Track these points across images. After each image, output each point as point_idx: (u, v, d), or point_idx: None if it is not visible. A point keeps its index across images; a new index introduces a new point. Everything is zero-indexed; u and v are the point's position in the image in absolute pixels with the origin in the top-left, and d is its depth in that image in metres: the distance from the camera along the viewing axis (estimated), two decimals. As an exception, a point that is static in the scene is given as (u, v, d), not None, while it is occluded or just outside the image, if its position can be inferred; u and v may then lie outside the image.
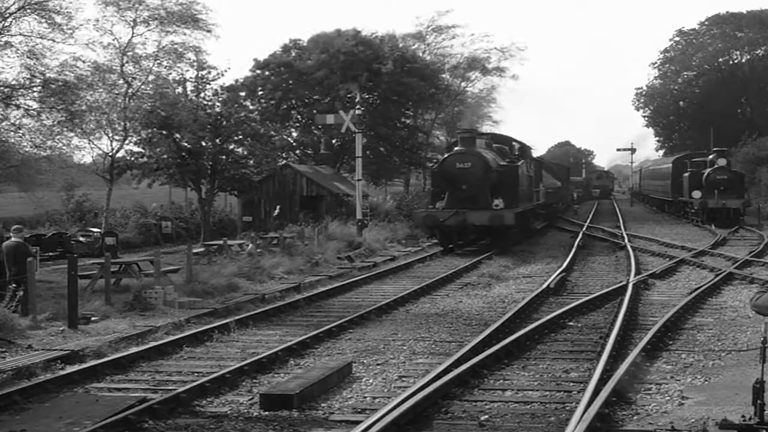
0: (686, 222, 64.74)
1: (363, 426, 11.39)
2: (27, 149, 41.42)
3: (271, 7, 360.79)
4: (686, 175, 67.04)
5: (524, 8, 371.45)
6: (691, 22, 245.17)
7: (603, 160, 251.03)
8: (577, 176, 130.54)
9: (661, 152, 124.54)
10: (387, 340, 19.09)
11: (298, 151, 72.49)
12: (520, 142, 51.88)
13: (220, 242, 37.10)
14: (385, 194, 73.30)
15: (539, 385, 14.57)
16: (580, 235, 47.50)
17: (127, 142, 48.33)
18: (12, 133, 40.28)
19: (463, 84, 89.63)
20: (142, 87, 48.88)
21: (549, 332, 19.24)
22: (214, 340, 19.28)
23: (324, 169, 63.35)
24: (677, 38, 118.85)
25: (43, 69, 39.79)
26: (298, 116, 73.46)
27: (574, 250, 39.32)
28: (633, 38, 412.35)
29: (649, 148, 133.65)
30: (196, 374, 15.74)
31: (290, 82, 70.93)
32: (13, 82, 39.73)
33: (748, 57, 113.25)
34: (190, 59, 50.96)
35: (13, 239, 22.49)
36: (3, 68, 42.24)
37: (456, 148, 43.69)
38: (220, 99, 51.44)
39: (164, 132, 48.11)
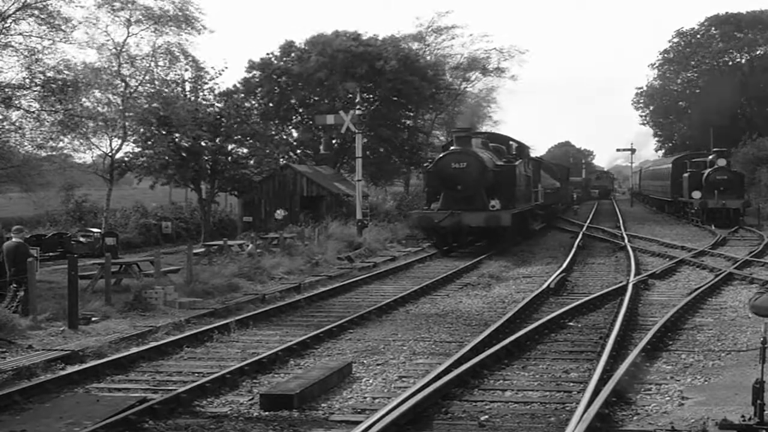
0: (686, 222, 64.72)
1: (363, 426, 11.41)
2: (28, 149, 41.49)
3: (269, 9, 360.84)
4: (686, 175, 67.03)
5: (524, 8, 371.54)
6: (691, 23, 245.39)
7: (603, 160, 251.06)
8: (577, 177, 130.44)
9: (660, 153, 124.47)
10: (387, 340, 19.10)
11: (298, 151, 72.45)
12: (517, 142, 50.85)
13: (221, 242, 37.09)
14: (385, 194, 73.29)
15: (539, 386, 14.58)
16: (580, 236, 47.49)
17: (126, 142, 48.41)
18: (13, 133, 40.34)
19: (463, 84, 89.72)
20: (140, 87, 48.93)
21: (549, 332, 19.25)
22: (214, 340, 19.28)
23: (324, 170, 63.34)
24: (676, 39, 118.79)
25: (42, 69, 39.84)
26: (299, 116, 73.45)
27: (574, 250, 39.29)
28: (633, 38, 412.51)
29: (650, 149, 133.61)
30: (196, 374, 15.75)
31: (289, 84, 70.91)
32: (13, 83, 39.78)
33: (748, 57, 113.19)
34: (185, 60, 50.99)
35: (13, 240, 22.51)
36: (2, 69, 42.31)
37: (451, 148, 42.76)
38: (218, 99, 51.47)
39: (163, 131, 48.10)
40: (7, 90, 39.18)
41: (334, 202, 55.91)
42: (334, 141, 69.17)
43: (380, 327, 20.91)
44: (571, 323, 20.60)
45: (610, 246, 43.92)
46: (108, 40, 48.12)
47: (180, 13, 49.85)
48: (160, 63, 50.01)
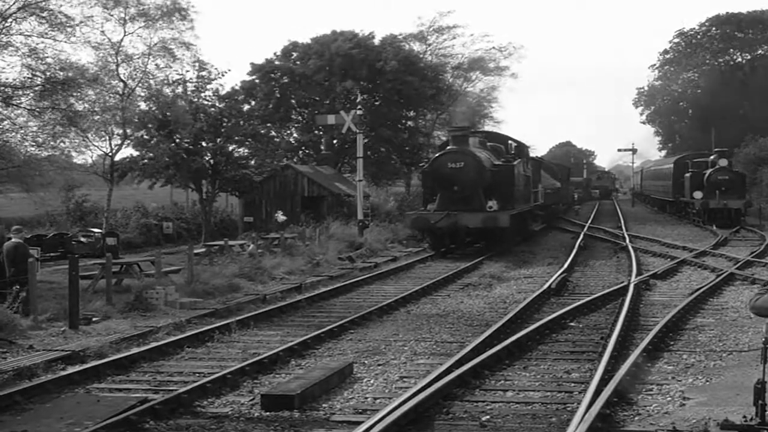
0: (687, 222, 64.70)
1: (364, 426, 11.40)
2: (29, 149, 41.50)
3: (270, 9, 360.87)
4: (687, 175, 66.99)
5: (524, 7, 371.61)
6: (692, 23, 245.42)
7: (605, 160, 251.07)
8: (578, 177, 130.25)
9: (662, 153, 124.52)
10: (388, 340, 19.09)
11: (300, 152, 72.48)
12: (516, 141, 50.02)
13: (221, 243, 37.10)
14: (386, 195, 73.27)
15: (540, 386, 14.57)
16: (582, 236, 47.48)
17: (126, 143, 48.43)
18: (13, 133, 40.35)
19: (464, 84, 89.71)
20: (138, 87, 48.95)
21: (550, 333, 19.24)
22: (215, 340, 19.28)
23: (325, 170, 63.30)
24: (677, 39, 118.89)
25: (44, 68, 39.85)
26: (299, 117, 73.49)
27: (575, 250, 39.27)
28: (635, 38, 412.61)
29: (653, 149, 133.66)
30: (197, 375, 15.75)
31: (289, 85, 70.95)
32: (14, 82, 39.79)
33: (749, 57, 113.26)
34: (185, 56, 50.99)
35: (13, 240, 22.48)
36: (4, 68, 42.35)
37: (448, 147, 41.98)
38: (220, 101, 51.46)
39: (162, 132, 48.08)
40: (7, 89, 39.21)
41: (335, 202, 55.87)
42: (335, 141, 69.27)
43: (381, 327, 20.90)
44: (572, 323, 20.60)
45: (611, 246, 43.87)
46: (104, 40, 48.14)
47: (172, 6, 49.84)
48: (158, 61, 50.05)
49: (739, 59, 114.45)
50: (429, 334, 19.80)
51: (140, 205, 57.23)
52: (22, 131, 40.35)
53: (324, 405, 13.61)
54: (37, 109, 39.89)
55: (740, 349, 17.33)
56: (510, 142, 49.20)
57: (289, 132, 73.20)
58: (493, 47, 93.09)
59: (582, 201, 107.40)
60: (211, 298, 25.62)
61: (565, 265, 32.70)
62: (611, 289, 25.72)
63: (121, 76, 48.24)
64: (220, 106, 51.11)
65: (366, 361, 16.78)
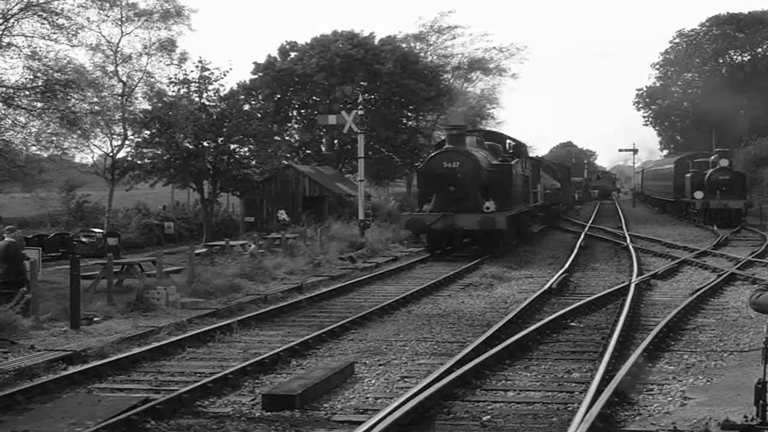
0: (688, 222, 64.71)
1: (365, 426, 11.41)
2: (30, 149, 41.57)
3: (270, 9, 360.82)
4: (688, 175, 67.01)
5: (524, 7, 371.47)
6: (692, 23, 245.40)
7: (606, 160, 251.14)
8: (578, 177, 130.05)
9: (664, 153, 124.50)
10: (389, 340, 19.10)
11: (300, 152, 72.46)
12: (514, 140, 49.46)
13: (223, 243, 37.12)
14: (387, 195, 73.25)
15: (541, 386, 14.58)
16: (582, 236, 47.50)
17: (127, 143, 48.48)
18: (15, 133, 40.41)
19: (465, 85, 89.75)
20: (138, 87, 49.00)
21: (551, 332, 19.25)
22: (216, 340, 19.29)
23: (326, 170, 63.31)
24: (677, 39, 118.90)
25: (45, 69, 39.89)
26: (298, 117, 73.48)
27: (576, 250, 39.25)
28: (637, 38, 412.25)
29: (655, 149, 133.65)
30: (198, 375, 15.75)
31: (289, 86, 70.95)
32: (15, 83, 39.85)
33: (749, 57, 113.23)
34: (183, 57, 51.06)
35: (6, 239, 22.40)
36: (5, 69, 42.39)
37: (444, 146, 40.89)
38: (222, 101, 51.47)
39: (164, 132, 48.10)
40: (9, 90, 39.26)
41: (337, 202, 55.88)
42: (335, 142, 69.29)
43: (382, 327, 20.91)
44: (573, 323, 20.60)
45: (612, 246, 43.88)
46: (100, 40, 48.19)
47: (169, 6, 49.91)
48: (156, 61, 50.09)
49: (740, 59, 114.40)
50: (430, 334, 19.81)
51: (141, 205, 57.26)
52: (24, 131, 40.42)
53: (325, 405, 13.62)
54: (38, 110, 39.94)
55: (741, 349, 17.34)
56: (508, 141, 48.74)
57: (289, 133, 73.05)
58: (494, 47, 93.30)
59: (582, 201, 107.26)
60: (213, 298, 25.61)
61: (566, 265, 32.70)
62: (612, 289, 25.74)
63: (120, 76, 48.29)
64: (222, 105, 51.09)
65: (367, 361, 16.78)
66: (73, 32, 41.46)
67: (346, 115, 47.95)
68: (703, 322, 20.56)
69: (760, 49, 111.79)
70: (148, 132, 48.94)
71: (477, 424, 12.36)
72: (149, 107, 49.36)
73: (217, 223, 56.06)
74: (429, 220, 38.54)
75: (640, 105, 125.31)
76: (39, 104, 40.02)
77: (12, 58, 39.96)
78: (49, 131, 40.82)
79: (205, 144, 50.06)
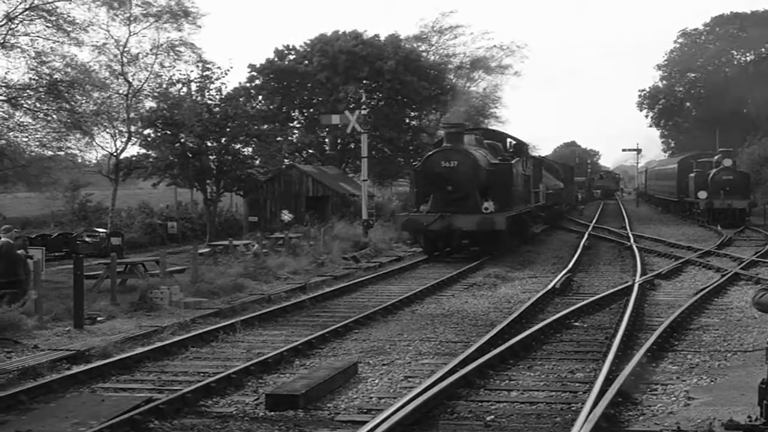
0: (692, 222, 64.66)
1: (369, 426, 11.40)
2: (34, 149, 41.64)
3: (271, 9, 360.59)
4: (692, 175, 67.01)
5: (526, 5, 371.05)
6: (696, 22, 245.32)
7: (609, 160, 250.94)
8: (581, 176, 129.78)
9: (667, 153, 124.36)
10: (393, 340, 19.09)
11: (304, 152, 72.48)
12: (515, 138, 48.29)
13: (226, 242, 37.13)
14: (390, 194, 73.26)
15: (545, 386, 14.58)
16: (586, 236, 47.47)
17: (131, 143, 48.56)
18: (19, 133, 40.48)
19: (468, 84, 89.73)
20: (143, 87, 49.05)
21: (554, 332, 19.23)
22: (219, 340, 19.29)
23: (329, 170, 63.31)
24: (681, 39, 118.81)
25: (49, 71, 39.97)
26: (301, 117, 73.47)
27: (579, 250, 39.20)
28: (641, 38, 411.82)
29: (658, 150, 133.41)
30: (201, 374, 15.75)
31: (292, 86, 70.93)
32: (20, 83, 39.91)
33: (753, 57, 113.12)
34: (189, 58, 51.13)
35: (2, 239, 22.35)
36: (9, 69, 42.50)
37: (442, 145, 39.77)
38: (224, 100, 51.50)
39: (168, 132, 48.18)
40: (13, 90, 39.32)
41: (340, 202, 55.87)
42: (339, 142, 69.29)
43: (386, 327, 20.90)
44: (576, 323, 20.59)
45: (616, 246, 43.84)
46: (109, 39, 48.25)
47: (177, 8, 49.96)
48: (163, 62, 50.16)
49: (744, 59, 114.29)
50: (433, 334, 19.80)
51: (145, 205, 57.32)
52: (28, 131, 40.48)
53: (329, 405, 13.62)
54: (42, 111, 40.00)
55: (745, 349, 17.32)
56: (509, 139, 47.79)
57: (291, 133, 72.97)
58: (495, 45, 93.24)
59: (585, 201, 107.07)
60: (216, 298, 25.62)
61: (570, 265, 32.68)
62: (616, 288, 25.72)
63: (127, 77, 48.34)
64: (225, 105, 51.12)
65: (370, 361, 16.78)
66: (79, 32, 41.53)
67: (350, 115, 47.93)
68: (707, 322, 20.53)
69: (763, 49, 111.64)
70: (152, 132, 49.01)
71: (480, 424, 12.36)
72: (156, 106, 49.43)
73: (220, 223, 56.14)
74: (426, 220, 37.43)
75: (644, 106, 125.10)
76: (43, 105, 40.08)
77: (17, 58, 40.05)
78: (52, 130, 40.85)
79: (209, 144, 50.11)
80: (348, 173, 69.58)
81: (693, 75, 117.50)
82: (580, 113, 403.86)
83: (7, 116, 40.09)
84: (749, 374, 14.68)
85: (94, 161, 53.10)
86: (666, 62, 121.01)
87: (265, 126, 54.99)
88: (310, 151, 72.34)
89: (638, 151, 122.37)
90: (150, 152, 49.44)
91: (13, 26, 39.50)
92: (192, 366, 16.79)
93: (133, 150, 50.29)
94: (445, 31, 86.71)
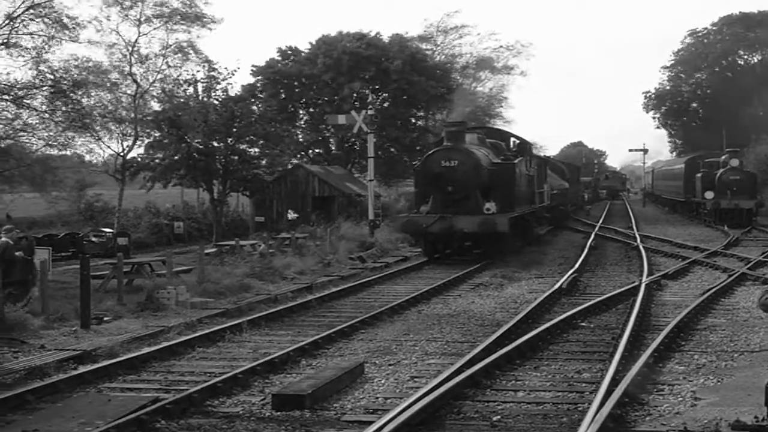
0: (699, 222, 64.57)
1: (375, 426, 11.40)
2: (39, 148, 41.75)
3: (275, 7, 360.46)
4: (699, 175, 66.88)
5: (531, 5, 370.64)
6: (704, 23, 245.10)
7: (616, 160, 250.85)
8: (587, 177, 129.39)
9: (673, 153, 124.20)
10: (399, 340, 19.08)
11: (309, 152, 72.53)
12: (518, 137, 47.18)
13: (232, 242, 37.15)
14: (397, 194, 73.27)
15: (551, 386, 14.56)
16: (592, 236, 47.39)
17: (138, 143, 48.68)
18: (24, 132, 40.58)
19: (474, 84, 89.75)
20: (152, 87, 49.17)
21: (561, 332, 19.21)
22: (226, 340, 19.30)
23: (336, 170, 63.34)
24: (689, 39, 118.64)
25: (51, 69, 40.08)
26: (306, 116, 73.47)
27: (586, 250, 39.12)
28: (648, 38, 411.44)
29: (665, 150, 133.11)
30: (208, 374, 15.76)
31: (295, 87, 70.95)
32: (24, 82, 40.02)
33: (760, 57, 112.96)
34: (197, 59, 51.28)
35: (3, 239, 22.31)
36: (13, 68, 42.60)
37: (443, 144, 38.65)
38: (231, 99, 51.56)
39: (174, 133, 48.25)
40: (17, 90, 39.40)
41: (346, 202, 55.90)
42: (346, 143, 69.31)
43: (392, 327, 20.89)
44: (583, 323, 20.57)
45: (622, 246, 43.76)
46: (118, 39, 48.41)
47: (189, 10, 50.12)
48: (171, 62, 50.29)
49: (751, 59, 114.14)
50: (440, 334, 19.79)
51: (151, 205, 57.39)
52: (34, 131, 40.59)
53: (335, 405, 13.62)
54: (47, 110, 40.10)
55: (752, 349, 17.30)
56: (512, 138, 46.71)
57: (297, 132, 72.99)
58: (501, 46, 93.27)
59: (592, 201, 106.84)
60: (222, 298, 25.65)
61: (576, 265, 32.60)
62: (622, 289, 25.67)
63: (135, 77, 48.46)
64: (230, 105, 51.18)
65: (377, 361, 16.77)
66: (77, 34, 41.65)
67: (356, 115, 47.82)
68: (714, 323, 20.50)
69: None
70: (159, 133, 49.12)
71: (487, 425, 12.35)
72: (161, 107, 49.54)
73: (227, 223, 56.17)
74: (426, 222, 36.29)
75: (650, 107, 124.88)
76: (48, 104, 40.19)
77: (20, 56, 40.14)
78: (58, 130, 40.95)
79: (215, 144, 50.18)
80: (354, 173, 69.59)
81: (700, 75, 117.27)
82: (587, 113, 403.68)
83: (13, 117, 40.20)
84: (756, 374, 14.67)
85: (101, 161, 53.21)
86: (672, 62, 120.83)
87: (271, 126, 54.87)
88: (317, 150, 72.37)
89: (645, 151, 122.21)
90: (156, 154, 49.50)
91: (15, 25, 39.62)
92: (198, 366, 16.79)
93: (140, 150, 50.43)
94: (450, 31, 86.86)
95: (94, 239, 41.86)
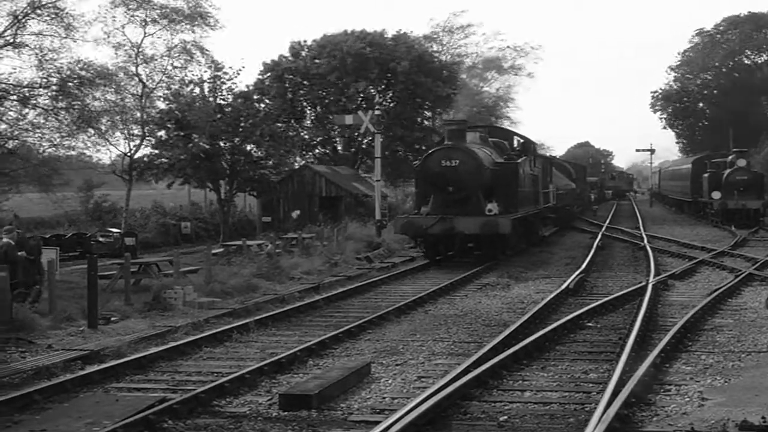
0: (706, 223, 64.50)
1: (382, 426, 11.39)
2: (46, 149, 41.83)
3: (278, 6, 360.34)
4: (706, 175, 66.84)
5: (538, 5, 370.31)
6: (711, 23, 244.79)
7: (623, 160, 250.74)
8: (593, 177, 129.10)
9: (680, 154, 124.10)
10: (406, 340, 19.08)
11: (316, 151, 72.56)
12: (522, 137, 46.37)
13: (240, 243, 37.16)
14: (404, 194, 73.27)
15: (558, 386, 14.55)
16: (599, 236, 47.34)
17: (144, 143, 48.75)
18: (30, 132, 40.65)
19: (480, 84, 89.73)
20: (156, 88, 49.27)
21: (568, 333, 19.20)
22: (233, 340, 19.32)
23: (343, 170, 63.35)
24: (696, 39, 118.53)
25: (57, 68, 40.15)
26: (312, 115, 73.48)
27: (593, 250, 39.08)
28: (654, 38, 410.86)
29: (673, 150, 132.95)
30: (215, 374, 15.76)
31: (302, 85, 70.95)
32: (29, 82, 40.10)
33: (767, 58, 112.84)
34: (202, 60, 51.36)
35: (4, 240, 22.31)
36: (19, 68, 42.67)
37: (443, 143, 37.90)
38: (235, 100, 51.62)
39: (181, 133, 48.33)
40: (23, 89, 39.48)
41: (353, 202, 55.91)
42: (353, 144, 69.34)
43: (399, 327, 20.88)
44: (590, 324, 20.55)
45: (629, 246, 43.72)
46: (124, 40, 48.50)
47: (194, 11, 50.18)
48: (176, 63, 50.37)
49: (758, 59, 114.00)
50: (447, 335, 19.79)
51: (158, 205, 57.45)
52: (39, 131, 40.66)
53: (342, 405, 13.62)
54: (53, 109, 40.17)
55: (759, 349, 17.27)
56: (515, 138, 45.88)
57: (303, 131, 72.94)
58: (508, 46, 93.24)
59: (599, 201, 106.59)
60: (230, 298, 25.68)
61: (583, 266, 32.58)
62: (629, 289, 25.63)
63: (141, 77, 48.56)
64: (237, 105, 51.22)
65: (384, 361, 16.77)
66: (83, 32, 41.75)
67: (363, 115, 47.82)
68: (721, 323, 20.47)
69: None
70: (165, 133, 49.19)
71: (494, 425, 12.35)
72: (167, 107, 49.61)
73: (234, 223, 56.21)
74: (426, 223, 35.30)
75: (657, 107, 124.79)
76: (54, 103, 40.26)
77: (26, 54, 40.22)
78: (64, 129, 41.02)
79: (222, 144, 50.23)
80: (361, 173, 69.60)
81: (706, 75, 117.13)
82: (593, 114, 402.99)
83: (20, 117, 40.27)
84: (763, 375, 14.68)
85: (108, 161, 53.33)
86: (679, 63, 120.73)
87: (277, 125, 54.92)
88: (323, 150, 72.37)
89: (652, 151, 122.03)
90: (162, 153, 49.56)
91: (20, 25, 39.69)
92: (206, 366, 16.81)
93: (147, 150, 50.51)
94: (456, 30, 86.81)
95: (101, 239, 41.91)
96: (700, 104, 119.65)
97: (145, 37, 49.45)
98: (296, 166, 60.54)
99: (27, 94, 40.13)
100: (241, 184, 52.22)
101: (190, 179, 51.25)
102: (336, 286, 28.80)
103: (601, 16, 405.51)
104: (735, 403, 13.01)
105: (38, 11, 40.12)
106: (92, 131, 43.10)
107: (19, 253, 22.20)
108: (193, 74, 51.06)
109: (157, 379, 15.78)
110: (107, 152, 50.42)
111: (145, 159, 50.12)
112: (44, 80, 40.47)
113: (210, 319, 21.87)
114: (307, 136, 72.41)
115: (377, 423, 11.77)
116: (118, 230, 44.47)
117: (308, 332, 20.25)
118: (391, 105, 71.21)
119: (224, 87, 51.06)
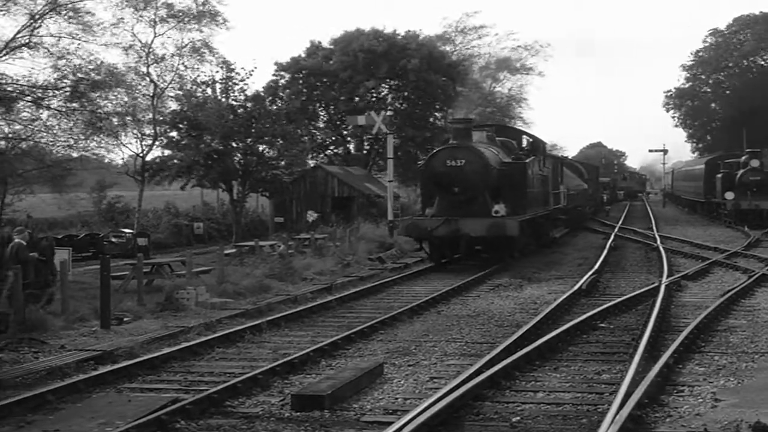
0: (719, 223, 64.34)
1: (395, 427, 11.39)
2: (59, 150, 41.94)
3: (292, 6, 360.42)
4: (719, 176, 66.66)
5: (550, 7, 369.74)
6: (723, 23, 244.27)
7: (635, 161, 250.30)
8: (605, 177, 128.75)
9: (694, 154, 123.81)
10: (418, 341, 19.07)
11: (328, 151, 72.56)
12: (531, 136, 45.43)
13: (252, 243, 37.18)
14: (416, 195, 73.17)
15: (571, 387, 14.53)
16: (612, 237, 47.27)
17: (156, 144, 48.86)
18: (44, 133, 40.77)
19: (493, 85, 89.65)
20: (169, 88, 49.37)
21: (581, 333, 19.16)
22: (245, 340, 19.33)
23: (355, 170, 63.34)
24: (709, 39, 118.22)
25: (72, 69, 40.24)
26: (326, 116, 73.46)
27: (606, 251, 39.02)
28: (668, 38, 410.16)
29: (686, 150, 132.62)
30: (227, 375, 15.78)
31: (317, 85, 70.94)
32: (44, 84, 40.21)
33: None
34: (213, 59, 51.48)
35: (15, 240, 22.35)
36: (34, 69, 42.76)
37: (449, 142, 36.74)
38: (248, 101, 51.66)
39: (193, 134, 48.39)
40: (37, 90, 39.59)
41: (366, 202, 55.90)
42: (366, 145, 69.31)
43: (411, 328, 20.87)
44: (603, 324, 20.50)
45: (642, 247, 43.64)
46: (134, 41, 48.62)
47: (202, 9, 50.32)
48: (187, 63, 50.49)
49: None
50: (459, 335, 19.77)
51: (171, 206, 57.54)
52: (53, 132, 40.78)
53: (354, 405, 13.62)
54: (67, 110, 40.28)
55: (772, 350, 17.23)
56: (524, 137, 44.89)
57: (315, 132, 72.91)
58: (519, 46, 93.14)
59: (611, 202, 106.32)
60: (242, 299, 25.70)
61: (596, 266, 32.49)
62: (642, 290, 25.58)
63: (152, 77, 48.66)
64: (249, 105, 51.26)
65: (396, 362, 16.77)
66: (101, 34, 41.86)
67: (375, 116, 47.75)
68: (734, 324, 20.41)
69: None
70: (177, 133, 49.27)
71: (506, 425, 12.33)
72: (180, 108, 49.70)
73: (246, 224, 56.27)
74: (431, 225, 34.20)
75: (670, 106, 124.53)
76: (68, 104, 40.38)
77: (42, 56, 40.34)
78: (77, 131, 41.15)
79: (234, 144, 50.28)
80: (374, 173, 69.57)
81: (718, 75, 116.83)
82: (606, 114, 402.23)
83: (34, 118, 40.38)
84: (777, 376, 14.63)
85: (120, 162, 53.47)
86: (692, 62, 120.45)
87: (291, 125, 54.92)
88: (336, 150, 72.37)
89: (665, 151, 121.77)
90: (176, 153, 49.64)
91: (36, 26, 39.80)
92: (218, 366, 16.83)
93: (159, 151, 50.65)
94: (468, 31, 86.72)
95: (114, 240, 42.01)
96: (713, 104, 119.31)
97: (155, 37, 49.59)
98: (309, 165, 60.50)
99: (41, 95, 40.25)
100: (254, 184, 52.26)
101: (202, 180, 51.29)
102: (348, 287, 28.79)
103: (613, 13, 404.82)
104: (748, 404, 12.97)
105: (57, 10, 40.25)
106: (104, 133, 43.23)
107: (31, 254, 22.24)
108: (204, 75, 51.21)
109: (169, 379, 15.80)
110: (119, 153, 50.60)
111: (157, 161, 50.22)
112: (58, 81, 40.61)
113: (222, 320, 21.90)
114: (320, 138, 72.39)
115: (390, 424, 11.77)
116: (131, 231, 44.56)
117: (321, 333, 20.25)
118: (402, 107, 71.11)
119: (236, 88, 51.12)
